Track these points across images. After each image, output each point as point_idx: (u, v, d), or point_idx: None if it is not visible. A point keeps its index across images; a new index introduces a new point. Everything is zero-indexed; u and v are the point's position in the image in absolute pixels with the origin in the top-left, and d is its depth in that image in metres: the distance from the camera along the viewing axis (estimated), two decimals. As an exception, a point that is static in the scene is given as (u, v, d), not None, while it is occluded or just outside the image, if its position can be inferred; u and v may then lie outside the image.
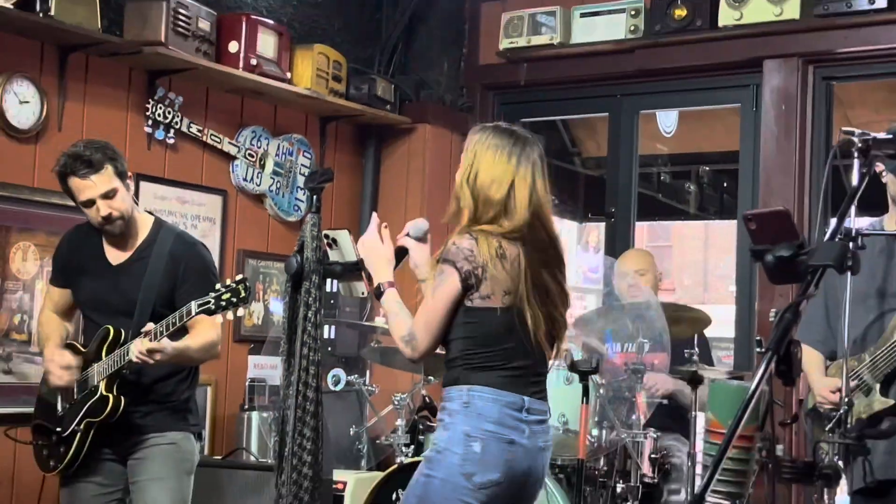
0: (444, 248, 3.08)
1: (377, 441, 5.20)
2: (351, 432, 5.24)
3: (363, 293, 3.16)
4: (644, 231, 6.13)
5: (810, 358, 3.97)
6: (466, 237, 3.04)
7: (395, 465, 4.70)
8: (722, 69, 5.80)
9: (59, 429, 3.70)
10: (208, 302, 3.49)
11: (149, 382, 3.71)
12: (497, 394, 3.03)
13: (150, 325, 3.51)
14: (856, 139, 2.73)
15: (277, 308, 5.75)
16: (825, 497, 3.07)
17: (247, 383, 5.40)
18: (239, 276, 3.55)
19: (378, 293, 3.14)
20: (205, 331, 3.70)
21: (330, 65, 5.73)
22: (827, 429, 3.49)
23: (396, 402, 4.99)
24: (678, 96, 6.18)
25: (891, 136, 2.73)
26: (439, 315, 3.06)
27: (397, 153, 6.31)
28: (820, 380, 3.95)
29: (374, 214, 3.41)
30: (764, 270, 2.23)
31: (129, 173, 3.76)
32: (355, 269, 3.09)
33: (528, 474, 3.08)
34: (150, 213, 3.94)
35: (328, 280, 5.68)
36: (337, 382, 5.17)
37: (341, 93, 5.84)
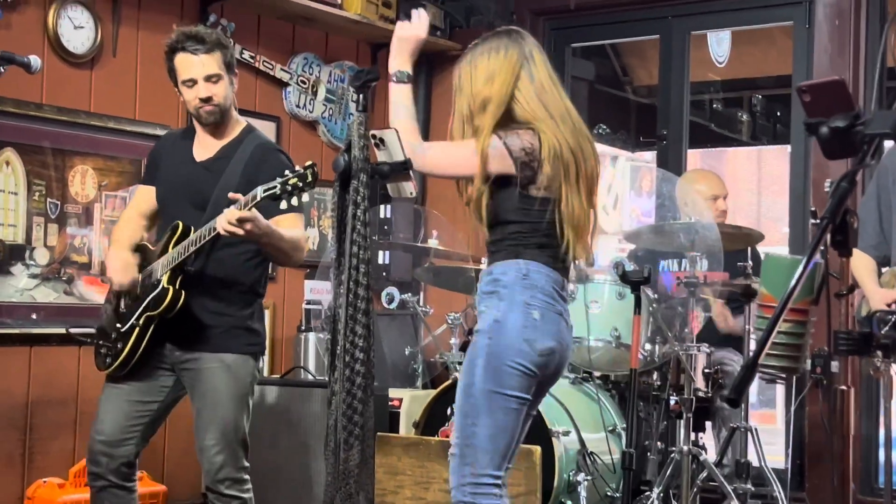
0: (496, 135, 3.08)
1: (431, 360, 5.27)
2: (406, 352, 5.30)
3: (411, 193, 3.15)
4: (697, 158, 6.08)
5: (863, 263, 3.94)
6: (530, 132, 3.08)
7: (450, 381, 4.76)
8: (774, -14, 5.73)
9: (118, 324, 3.67)
10: (274, 187, 3.36)
11: (213, 284, 3.63)
12: (548, 270, 3.10)
13: (235, 195, 3.41)
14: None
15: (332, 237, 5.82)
16: (881, 367, 3.04)
17: (303, 306, 5.48)
18: (309, 162, 3.43)
19: (398, 77, 3.23)
20: (291, 226, 3.62)
21: (380, -10, 5.75)
22: (883, 332, 3.47)
23: (450, 321, 5.04)
24: (730, 16, 6.10)
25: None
26: (460, 165, 3.15)
27: (448, 80, 6.22)
28: (875, 290, 3.92)
29: (423, 12, 3.41)
30: (818, 144, 2.19)
31: (237, 73, 3.74)
32: (403, 169, 3.10)
33: (566, 349, 3.17)
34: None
35: (382, 206, 5.79)
36: (391, 300, 5.23)
37: (391, 19, 5.84)
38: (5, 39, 4.36)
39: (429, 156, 3.16)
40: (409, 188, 3.15)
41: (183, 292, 3.56)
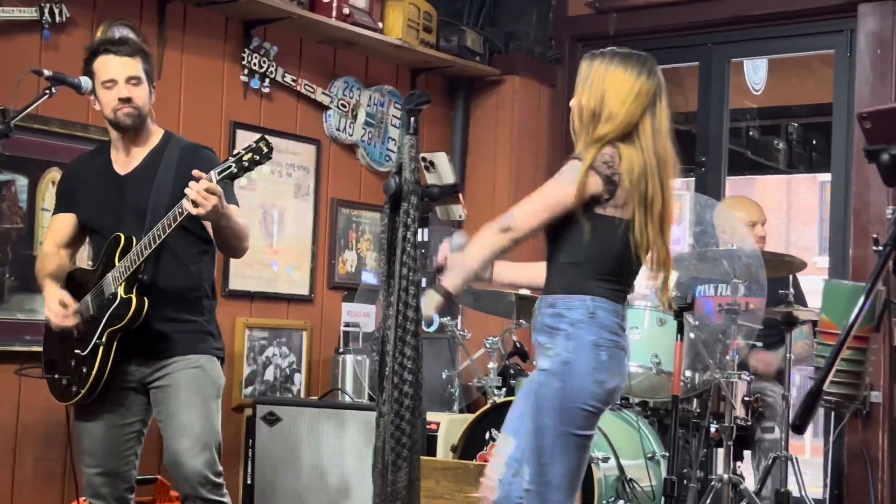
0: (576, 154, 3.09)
1: (468, 384, 5.26)
2: (443, 376, 5.30)
3: (461, 216, 3.17)
4: (727, 186, 6.08)
5: None
6: (608, 147, 3.08)
7: (488, 406, 4.75)
8: (815, 14, 5.74)
9: (76, 350, 3.56)
10: (229, 167, 3.29)
11: (169, 292, 3.57)
12: (612, 305, 3.10)
13: (197, 172, 3.32)
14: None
15: (370, 261, 5.84)
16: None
17: (341, 329, 5.49)
18: (258, 136, 3.37)
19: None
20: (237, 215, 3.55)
21: (420, 15, 5.78)
22: None
23: (489, 346, 5.04)
24: (770, 43, 6.11)
25: None
26: (557, 204, 3.07)
27: (486, 105, 6.34)
28: None
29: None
30: (879, 171, 2.18)
31: (154, 85, 3.66)
32: (452, 192, 3.12)
33: (626, 380, 3.22)
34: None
35: (420, 229, 5.80)
36: (430, 324, 5.23)
37: (431, 44, 5.88)
38: (53, 60, 4.41)
39: (519, 219, 3.10)
40: (459, 211, 3.17)
41: (145, 299, 3.48)
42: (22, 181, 4.48)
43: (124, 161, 3.67)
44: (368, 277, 5.81)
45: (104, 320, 3.52)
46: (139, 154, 3.66)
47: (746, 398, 4.68)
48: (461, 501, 4.45)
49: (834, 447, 5.22)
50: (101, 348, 3.51)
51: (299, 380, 5.48)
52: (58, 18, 4.49)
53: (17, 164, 4.38)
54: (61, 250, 3.74)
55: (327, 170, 5.66)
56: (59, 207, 3.78)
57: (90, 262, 3.78)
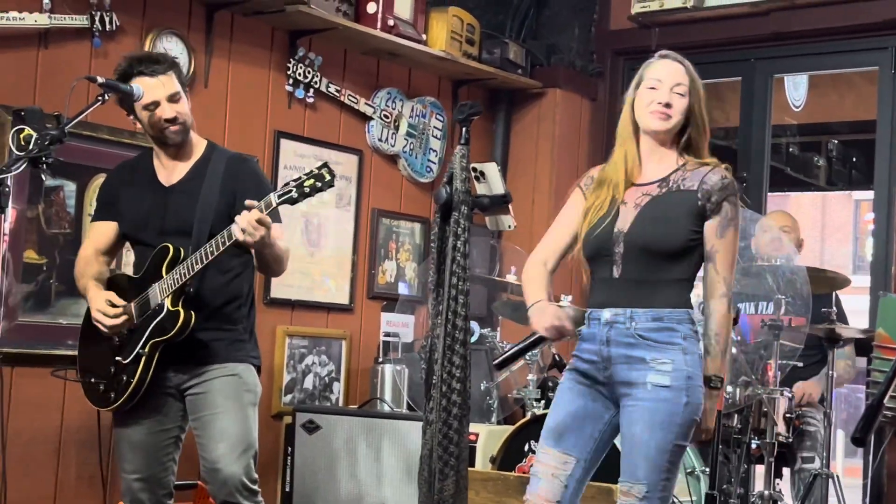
0: (713, 178, 3.14)
1: (506, 396, 5.27)
2: (482, 387, 5.30)
3: (510, 226, 3.19)
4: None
5: None
6: (724, 170, 3.19)
7: (528, 417, 4.75)
8: (859, 31, 5.72)
9: (118, 357, 3.57)
10: (289, 191, 3.28)
11: (210, 305, 3.59)
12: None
13: (250, 202, 3.34)
14: None
15: (409, 271, 5.86)
16: None
17: (380, 338, 5.51)
18: (321, 162, 3.37)
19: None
20: (278, 237, 3.55)
21: (464, 28, 5.81)
22: None
23: (528, 358, 5.04)
24: (813, 59, 6.10)
25: None
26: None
27: (527, 118, 6.36)
28: None
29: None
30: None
31: (187, 89, 3.68)
32: (503, 202, 3.13)
33: None
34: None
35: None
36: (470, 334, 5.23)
37: (474, 56, 5.91)
38: (102, 68, 4.45)
39: (733, 279, 3.15)
40: (509, 221, 3.18)
41: (192, 313, 3.49)
42: (70, 187, 4.53)
43: (169, 172, 3.68)
44: (403, 289, 5.84)
45: (149, 330, 3.53)
46: (184, 165, 3.67)
47: (788, 415, 4.66)
48: (500, 513, 4.46)
49: (873, 465, 5.18)
50: (144, 358, 3.52)
51: (338, 388, 5.50)
52: (108, 27, 4.54)
53: (65, 170, 4.43)
54: (100, 256, 3.75)
55: (369, 180, 5.69)
56: (100, 215, 3.79)
57: (138, 270, 3.75)
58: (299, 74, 5.27)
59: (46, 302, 4.47)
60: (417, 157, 5.89)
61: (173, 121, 3.57)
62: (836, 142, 8.29)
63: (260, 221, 3.30)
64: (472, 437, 5.00)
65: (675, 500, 4.54)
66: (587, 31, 6.42)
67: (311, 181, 3.30)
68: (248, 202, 3.35)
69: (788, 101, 7.42)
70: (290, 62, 5.25)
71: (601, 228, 3.13)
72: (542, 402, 4.99)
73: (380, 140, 5.70)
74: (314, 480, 4.83)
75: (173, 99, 3.57)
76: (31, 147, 3.32)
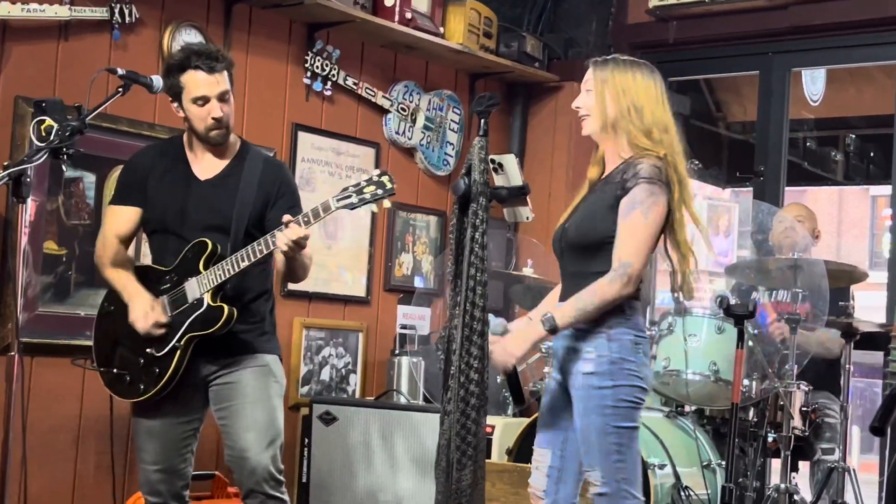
0: (630, 169, 3.18)
1: (524, 388, 5.26)
2: (498, 379, 5.31)
3: (527, 217, 3.20)
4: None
5: None
6: (655, 159, 3.18)
7: (544, 410, 4.75)
8: (878, 25, 5.69)
9: (149, 350, 3.56)
10: (349, 196, 3.30)
11: (243, 299, 3.60)
12: (638, 304, 3.25)
13: (288, 217, 3.37)
14: None
15: (425, 264, 5.87)
16: None
17: (397, 331, 5.52)
18: (380, 169, 3.39)
19: (552, 328, 3.15)
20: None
21: (481, 21, 5.81)
22: None
23: (544, 350, 5.04)
24: (832, 53, 6.07)
25: None
26: (654, 235, 3.17)
27: (544, 111, 6.36)
28: None
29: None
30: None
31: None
32: (521, 194, 3.14)
33: None
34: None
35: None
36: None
37: (491, 49, 5.91)
38: (121, 60, 4.48)
39: (634, 263, 3.12)
40: (527, 213, 3.19)
41: (234, 309, 3.52)
42: (90, 178, 4.56)
43: (203, 165, 3.68)
44: (419, 282, 5.85)
45: (186, 324, 3.54)
46: (219, 161, 3.68)
47: (804, 408, 4.66)
48: (515, 503, 4.47)
49: (890, 460, 5.17)
50: (179, 351, 3.54)
51: (354, 380, 5.52)
52: (127, 19, 4.56)
53: (85, 162, 4.44)
54: (120, 242, 3.72)
55: (386, 173, 5.70)
56: (123, 200, 3.73)
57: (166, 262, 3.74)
58: (317, 67, 5.28)
59: (66, 293, 4.50)
60: (434, 151, 5.90)
61: (219, 121, 3.58)
62: (853, 136, 8.26)
63: (304, 237, 3.36)
64: (489, 429, 5.01)
65: (692, 493, 4.55)
66: (605, 24, 6.41)
67: (372, 188, 3.31)
68: (285, 218, 3.38)
69: (806, 95, 7.40)
70: (307, 55, 5.26)
71: (557, 227, 3.36)
72: (559, 394, 5.00)
73: (397, 133, 5.71)
74: (330, 471, 4.85)
75: (223, 98, 3.58)
76: (52, 138, 3.34)
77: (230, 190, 3.60)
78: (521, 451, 4.71)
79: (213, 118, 3.56)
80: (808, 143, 8.05)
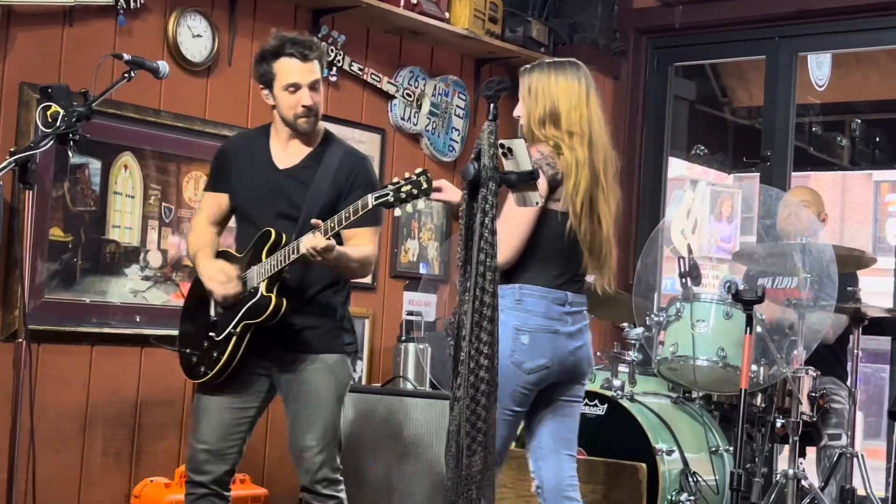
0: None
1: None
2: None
3: (537, 203, 3.17)
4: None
5: None
6: (544, 144, 3.41)
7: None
8: (885, 9, 5.68)
9: (211, 333, 3.65)
10: (386, 194, 3.34)
11: (307, 291, 3.65)
12: (545, 291, 3.42)
13: (317, 221, 3.42)
14: None
15: (431, 250, 5.86)
16: None
17: (403, 317, 5.51)
18: (419, 169, 3.42)
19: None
20: (363, 243, 3.65)
21: (486, 6, 5.78)
22: None
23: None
24: (838, 38, 6.06)
25: None
26: (528, 222, 3.39)
27: (550, 96, 6.32)
28: None
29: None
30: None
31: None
32: (530, 179, 3.12)
33: (575, 354, 3.53)
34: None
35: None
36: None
37: (497, 34, 5.88)
38: (127, 45, 4.46)
39: (501, 248, 3.26)
40: (536, 198, 3.16)
41: (284, 301, 3.55)
42: (95, 164, 4.54)
43: (285, 154, 3.72)
44: (424, 268, 5.83)
45: (242, 311, 3.59)
46: (301, 150, 3.72)
47: (812, 394, 4.64)
48: (522, 489, 4.46)
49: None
50: (235, 338, 3.59)
51: (361, 367, 5.51)
52: (132, 4, 4.53)
53: (90, 148, 4.44)
54: (212, 227, 3.82)
55: (391, 159, 5.69)
56: (213, 186, 3.84)
57: (240, 248, 3.80)
58: (322, 53, 5.26)
59: (72, 280, 4.49)
60: (440, 136, 5.88)
61: (309, 110, 3.63)
62: (859, 121, 8.24)
63: (326, 248, 3.40)
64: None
65: (700, 478, 4.55)
66: (610, 9, 6.38)
67: (409, 187, 3.34)
68: (313, 221, 3.42)
69: (811, 79, 7.39)
70: (313, 40, 5.24)
71: None
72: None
73: (402, 119, 5.69)
74: (338, 458, 4.84)
75: (314, 87, 3.64)
76: (58, 124, 3.33)
77: (305, 180, 3.65)
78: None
79: (303, 106, 3.62)
80: (813, 129, 8.03)
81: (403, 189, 3.34)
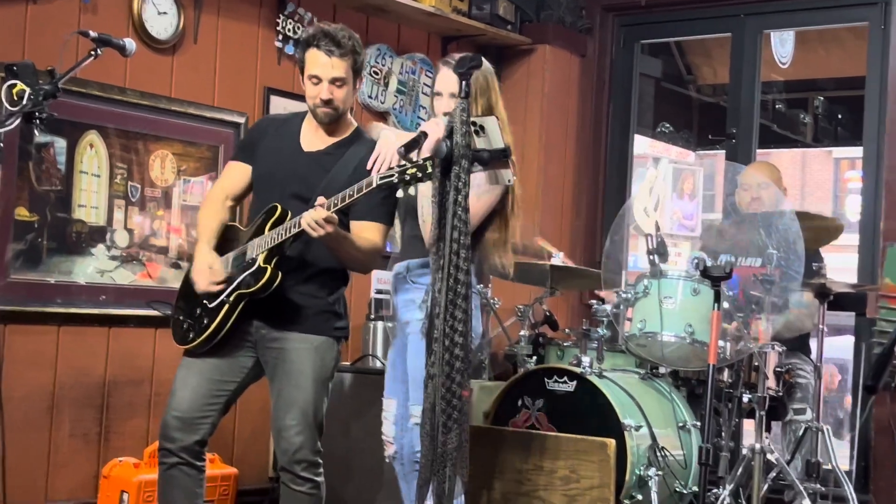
0: None
1: (497, 353, 5.28)
2: (473, 345, 5.31)
3: (509, 181, 3.18)
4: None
5: None
6: None
7: (521, 373, 4.77)
8: (848, -14, 5.72)
9: (205, 300, 3.69)
10: (391, 176, 3.33)
11: (305, 270, 3.68)
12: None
13: (321, 199, 3.46)
14: None
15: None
16: None
17: (372, 296, 5.51)
18: (427, 154, 3.37)
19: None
20: (370, 234, 3.69)
21: (453, -17, 5.77)
22: None
23: (520, 313, 5.05)
24: (803, 15, 6.09)
25: None
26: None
27: (517, 74, 6.34)
28: None
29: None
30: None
31: (360, 80, 3.77)
32: (503, 156, 3.12)
33: None
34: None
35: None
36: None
37: (463, 12, 5.87)
38: (91, 23, 4.40)
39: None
40: (508, 175, 3.18)
41: (279, 273, 3.58)
42: (60, 143, 4.49)
43: (313, 138, 3.79)
44: (391, 247, 5.82)
45: (237, 281, 3.63)
46: (328, 138, 3.78)
47: (778, 369, 4.69)
48: (494, 467, 4.48)
49: (860, 418, 5.24)
50: (227, 306, 3.63)
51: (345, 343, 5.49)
52: (96, -19, 4.49)
53: (55, 127, 4.39)
54: (227, 201, 3.85)
55: (359, 137, 5.66)
56: (239, 156, 3.92)
57: (248, 221, 3.87)
58: (289, 30, 5.23)
59: (37, 260, 4.44)
60: (407, 115, 5.87)
61: (327, 103, 3.67)
62: (822, 98, 8.31)
63: (327, 220, 3.42)
64: (465, 394, 5.01)
65: (668, 453, 4.58)
66: (577, -14, 6.39)
67: (414, 170, 3.31)
68: (319, 199, 3.45)
69: (775, 57, 7.43)
70: (279, 18, 5.21)
71: None
72: (534, 357, 5.02)
73: (370, 97, 5.67)
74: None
75: (335, 83, 3.66)
76: (24, 102, 3.29)
77: (327, 166, 3.70)
78: (499, 413, 4.72)
79: (321, 99, 3.67)
80: (777, 106, 8.09)
81: (409, 171, 3.32)
